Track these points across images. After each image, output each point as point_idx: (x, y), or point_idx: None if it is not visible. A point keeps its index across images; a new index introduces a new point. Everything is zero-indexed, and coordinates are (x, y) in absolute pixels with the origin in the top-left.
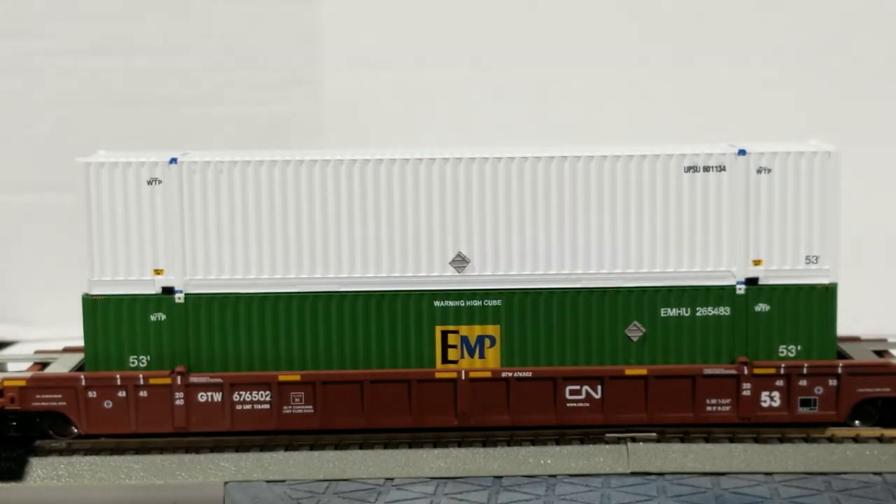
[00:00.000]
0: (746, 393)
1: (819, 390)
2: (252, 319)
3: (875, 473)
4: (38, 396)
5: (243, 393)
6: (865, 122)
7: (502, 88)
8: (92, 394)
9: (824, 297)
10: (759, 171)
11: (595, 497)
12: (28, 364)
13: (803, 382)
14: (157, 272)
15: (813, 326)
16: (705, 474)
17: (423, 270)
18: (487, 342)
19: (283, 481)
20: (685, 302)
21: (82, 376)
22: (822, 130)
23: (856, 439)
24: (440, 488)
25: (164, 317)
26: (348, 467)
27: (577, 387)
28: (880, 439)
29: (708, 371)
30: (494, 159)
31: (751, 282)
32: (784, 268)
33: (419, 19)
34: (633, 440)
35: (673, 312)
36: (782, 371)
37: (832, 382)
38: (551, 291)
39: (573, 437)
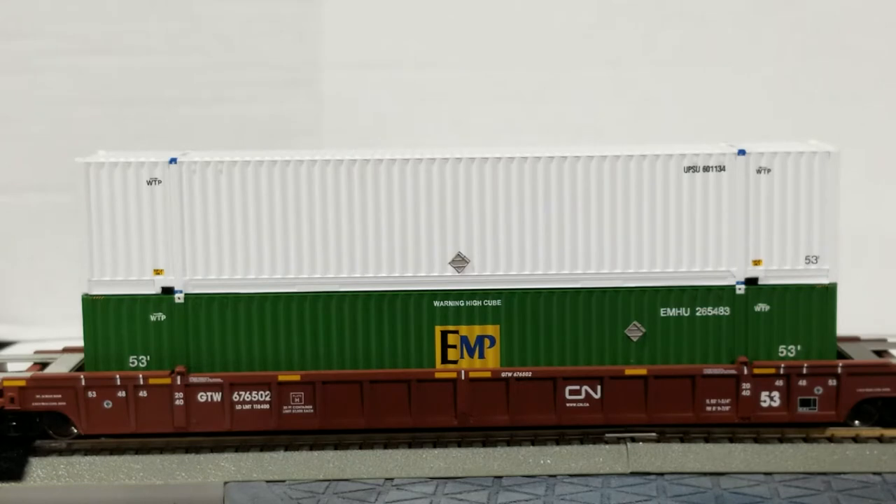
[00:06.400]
0: (746, 393)
1: (819, 390)
2: (252, 319)
3: (875, 473)
4: (37, 396)
5: (243, 393)
6: (865, 122)
7: (502, 89)
8: (92, 394)
9: (824, 296)
10: (758, 171)
11: (595, 497)
12: (28, 364)
13: (803, 382)
14: (157, 272)
15: (813, 326)
16: (705, 474)
17: (423, 270)
18: (487, 342)
19: (283, 481)
20: (685, 302)
21: (82, 376)
22: (821, 130)
23: (856, 439)
24: (440, 488)
25: (163, 317)
26: (348, 467)
27: (577, 387)
28: (880, 439)
29: (708, 371)
30: (494, 159)
31: (750, 282)
32: (784, 268)
33: (419, 19)
34: (633, 440)
35: (673, 312)
36: (782, 371)
37: (832, 382)
38: (551, 291)
39: (573, 437)
